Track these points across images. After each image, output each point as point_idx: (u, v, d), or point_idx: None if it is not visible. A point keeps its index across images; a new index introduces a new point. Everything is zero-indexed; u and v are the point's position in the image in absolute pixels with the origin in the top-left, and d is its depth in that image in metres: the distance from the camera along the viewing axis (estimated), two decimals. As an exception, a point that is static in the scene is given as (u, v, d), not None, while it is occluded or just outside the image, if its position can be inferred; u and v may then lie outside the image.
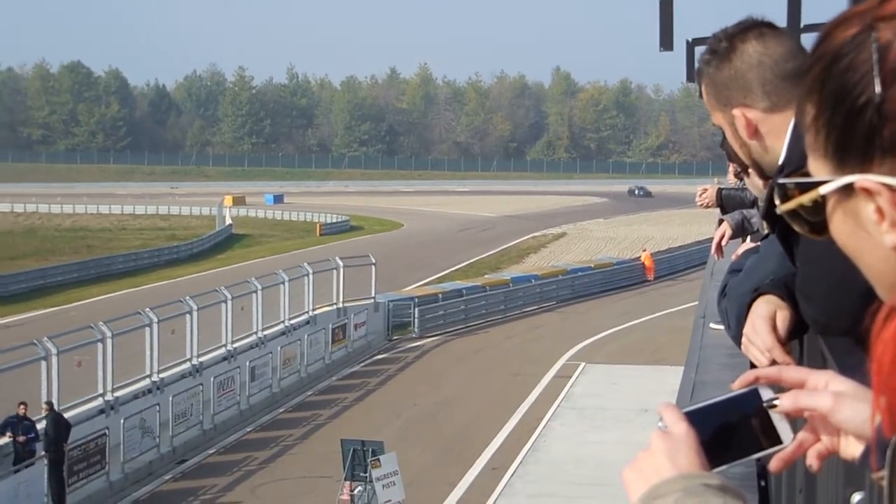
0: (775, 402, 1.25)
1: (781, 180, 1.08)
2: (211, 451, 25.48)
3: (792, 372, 1.30)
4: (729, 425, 1.25)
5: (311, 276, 34.32)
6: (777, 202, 1.10)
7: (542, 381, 31.10)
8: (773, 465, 1.28)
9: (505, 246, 66.65)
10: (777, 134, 1.92)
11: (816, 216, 1.06)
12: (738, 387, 1.30)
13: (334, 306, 35.78)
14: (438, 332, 39.02)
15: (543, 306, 44.94)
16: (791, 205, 1.08)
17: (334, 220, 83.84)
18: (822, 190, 1.03)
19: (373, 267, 37.60)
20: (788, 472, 2.00)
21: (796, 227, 1.09)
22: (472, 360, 34.71)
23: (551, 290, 46.51)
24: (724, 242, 5.29)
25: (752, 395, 1.27)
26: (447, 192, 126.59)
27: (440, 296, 41.60)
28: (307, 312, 34.02)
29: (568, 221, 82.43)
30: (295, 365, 31.60)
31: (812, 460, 1.26)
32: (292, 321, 32.84)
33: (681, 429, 1.22)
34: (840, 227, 1.04)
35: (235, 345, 29.37)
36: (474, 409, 28.19)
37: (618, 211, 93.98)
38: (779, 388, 1.30)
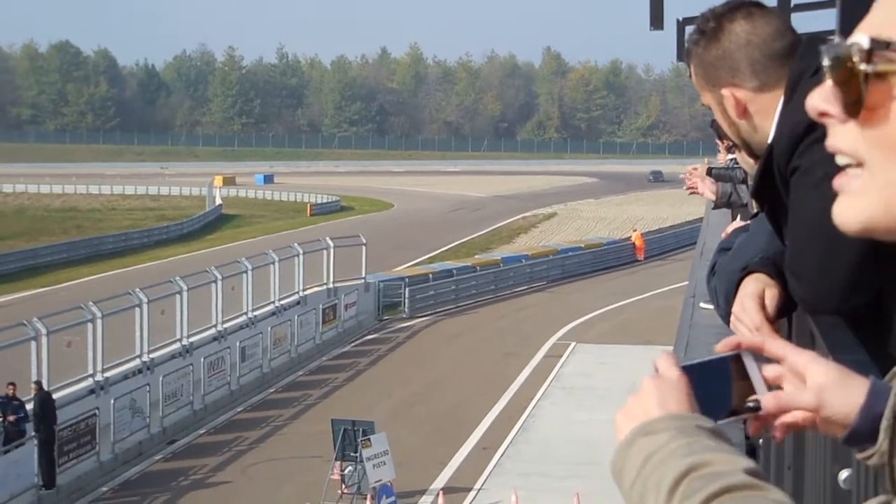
0: (758, 407, 1.26)
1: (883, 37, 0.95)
2: (201, 432, 25.50)
3: (775, 345, 1.30)
4: (711, 385, 1.26)
5: (301, 257, 34.31)
6: (857, 60, 0.95)
7: (532, 361, 31.20)
8: (751, 428, 1.29)
9: (495, 226, 66.67)
10: (766, 113, 1.92)
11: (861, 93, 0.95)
12: (721, 350, 1.31)
13: (325, 287, 35.78)
14: (429, 313, 39.05)
15: (534, 286, 45.00)
16: (887, 67, 0.94)
17: (324, 201, 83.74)
18: None
19: (363, 247, 37.59)
20: (777, 449, 2.02)
21: (841, 96, 0.97)
22: (463, 340, 34.77)
23: (542, 270, 46.57)
24: (697, 176, 5.35)
25: (735, 360, 1.29)
26: (437, 172, 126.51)
27: (431, 276, 41.65)
28: (297, 293, 34.02)
29: (558, 201, 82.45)
30: (285, 345, 31.61)
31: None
32: (282, 301, 32.84)
33: (673, 374, 1.21)
34: None
35: (225, 325, 29.37)
36: (465, 389, 28.25)
37: (608, 191, 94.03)
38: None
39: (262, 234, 62.75)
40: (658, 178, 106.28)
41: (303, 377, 30.51)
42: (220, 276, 29.27)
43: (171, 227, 65.37)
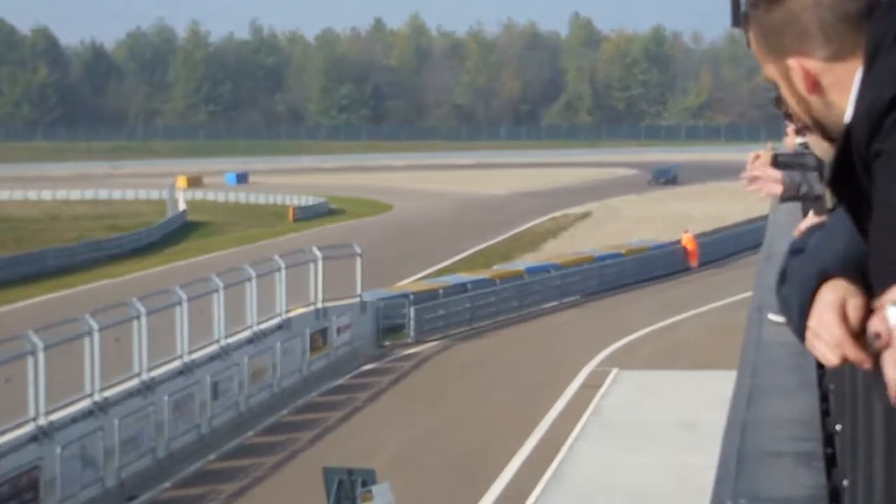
0: None
1: None
2: (166, 485, 25.51)
3: None
4: None
5: (283, 272, 34.34)
6: None
7: (565, 393, 31.16)
8: None
9: (518, 230, 66.81)
10: (842, 87, 1.91)
11: None
12: None
13: (312, 307, 35.79)
14: (439, 336, 39.08)
15: (566, 302, 44.99)
16: None
17: (310, 203, 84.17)
18: None
19: (358, 258, 37.62)
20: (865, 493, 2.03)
21: None
22: (481, 369, 34.78)
23: (575, 283, 46.56)
24: (754, 170, 5.36)
25: None
26: (446, 166, 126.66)
27: (441, 292, 41.66)
28: (280, 315, 34.03)
29: (593, 199, 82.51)
30: (266, 379, 31.64)
31: None
32: (262, 326, 32.85)
33: None
34: None
35: (193, 356, 29.38)
36: (484, 429, 28.24)
37: (653, 185, 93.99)
38: None
39: (236, 245, 62.92)
40: (663, 179, 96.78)
41: (288, 417, 30.54)
42: (185, 297, 29.31)
43: (126, 238, 65.54)
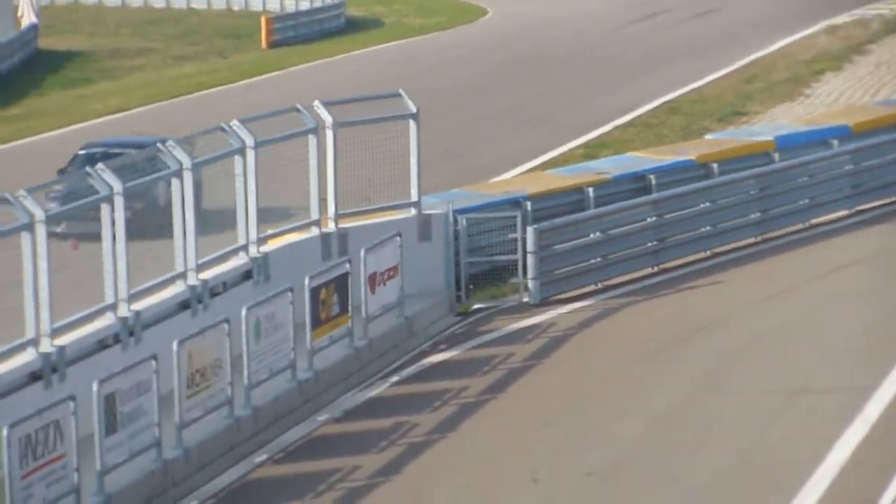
0: None
1: None
2: None
3: None
4: None
5: (250, 156, 34.24)
6: None
7: (873, 409, 30.95)
8: None
9: (753, 56, 66.91)
10: None
11: None
12: None
13: (316, 231, 35.83)
14: (589, 289, 39.37)
15: (865, 211, 45.09)
16: None
17: (304, 8, 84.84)
18: None
19: (412, 124, 37.67)
20: None
21: None
22: (680, 362, 34.87)
23: (887, 168, 46.68)
24: None
25: None
26: None
27: (591, 192, 41.81)
28: (245, 249, 34.10)
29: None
30: (219, 387, 31.50)
31: None
32: (207, 274, 32.91)
33: None
34: None
35: (62, 341, 29.33)
36: (697, 491, 28.27)
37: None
38: None
39: (142, 101, 63.47)
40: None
41: (271, 469, 30.63)
42: (41, 217, 29.31)
43: None
